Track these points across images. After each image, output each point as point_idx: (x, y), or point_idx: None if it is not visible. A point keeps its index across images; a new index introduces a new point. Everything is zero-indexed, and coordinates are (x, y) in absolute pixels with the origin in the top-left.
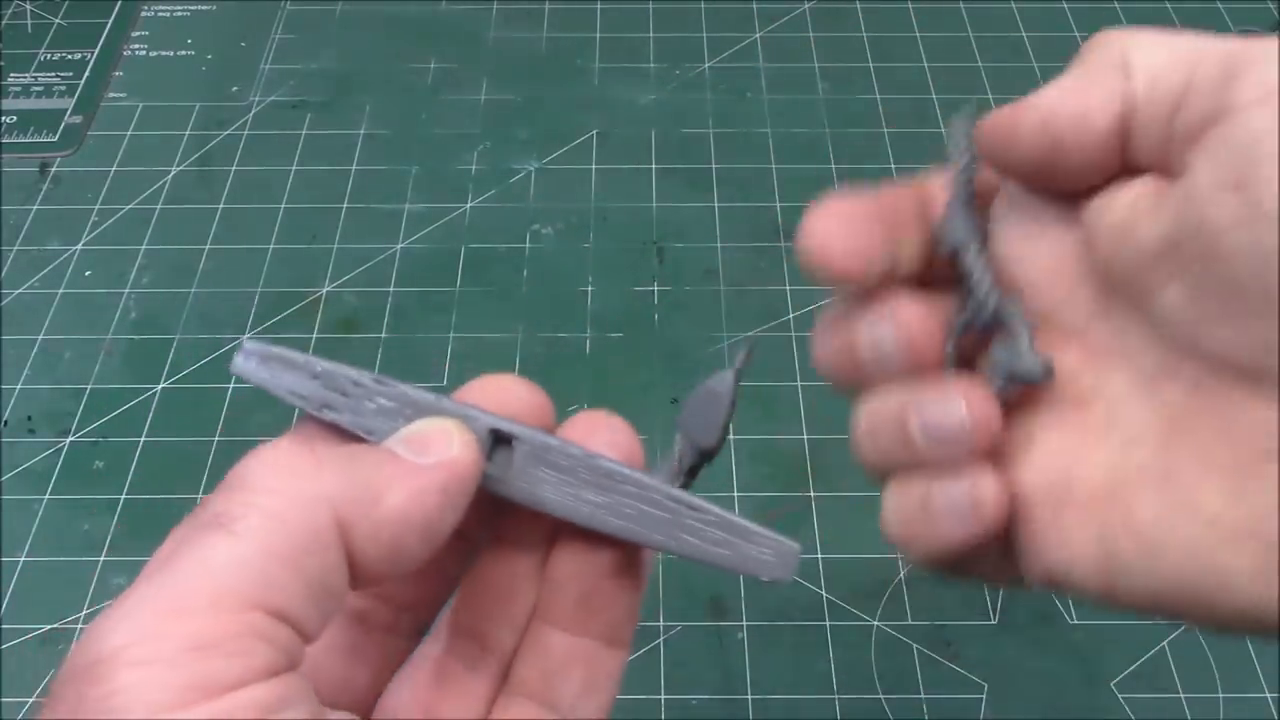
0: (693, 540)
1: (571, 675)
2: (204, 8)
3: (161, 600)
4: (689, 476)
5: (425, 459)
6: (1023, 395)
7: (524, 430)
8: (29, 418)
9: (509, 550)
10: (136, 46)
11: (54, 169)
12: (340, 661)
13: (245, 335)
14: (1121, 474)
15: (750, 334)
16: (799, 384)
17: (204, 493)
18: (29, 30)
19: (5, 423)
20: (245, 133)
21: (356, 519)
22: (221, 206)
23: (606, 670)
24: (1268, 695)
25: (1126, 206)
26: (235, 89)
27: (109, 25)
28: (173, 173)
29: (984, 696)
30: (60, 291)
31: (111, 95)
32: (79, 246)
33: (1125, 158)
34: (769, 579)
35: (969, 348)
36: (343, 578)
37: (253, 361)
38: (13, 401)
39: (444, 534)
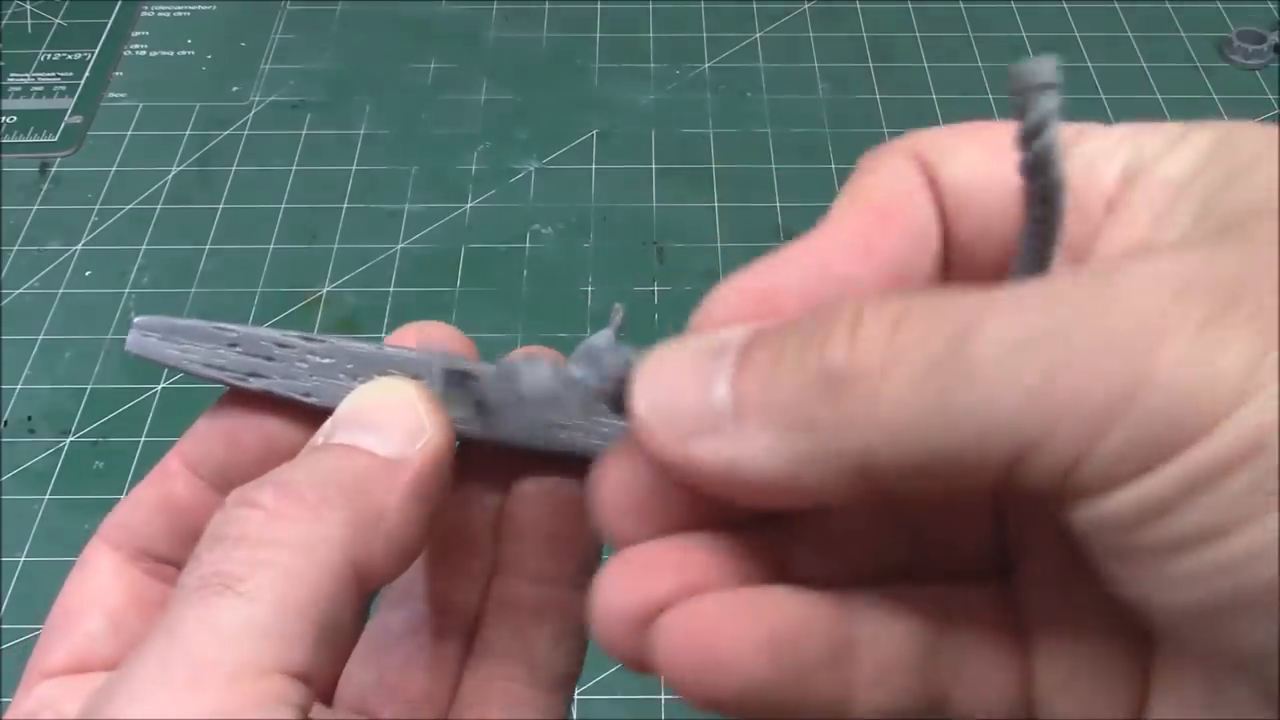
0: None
1: (543, 626)
2: (204, 8)
3: (175, 675)
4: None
5: (402, 446)
6: None
7: (475, 365)
8: (29, 418)
9: (462, 506)
10: (136, 46)
11: (54, 169)
12: (401, 673)
13: None
14: None
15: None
16: None
17: None
18: (29, 30)
19: (5, 423)
20: (245, 133)
21: (366, 547)
22: (221, 206)
23: (576, 616)
24: None
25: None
26: (235, 89)
27: (109, 25)
28: (173, 173)
29: None
30: (60, 291)
31: (111, 95)
32: (79, 246)
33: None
34: None
35: None
36: (356, 610)
37: (153, 337)
38: (13, 401)
39: (437, 516)
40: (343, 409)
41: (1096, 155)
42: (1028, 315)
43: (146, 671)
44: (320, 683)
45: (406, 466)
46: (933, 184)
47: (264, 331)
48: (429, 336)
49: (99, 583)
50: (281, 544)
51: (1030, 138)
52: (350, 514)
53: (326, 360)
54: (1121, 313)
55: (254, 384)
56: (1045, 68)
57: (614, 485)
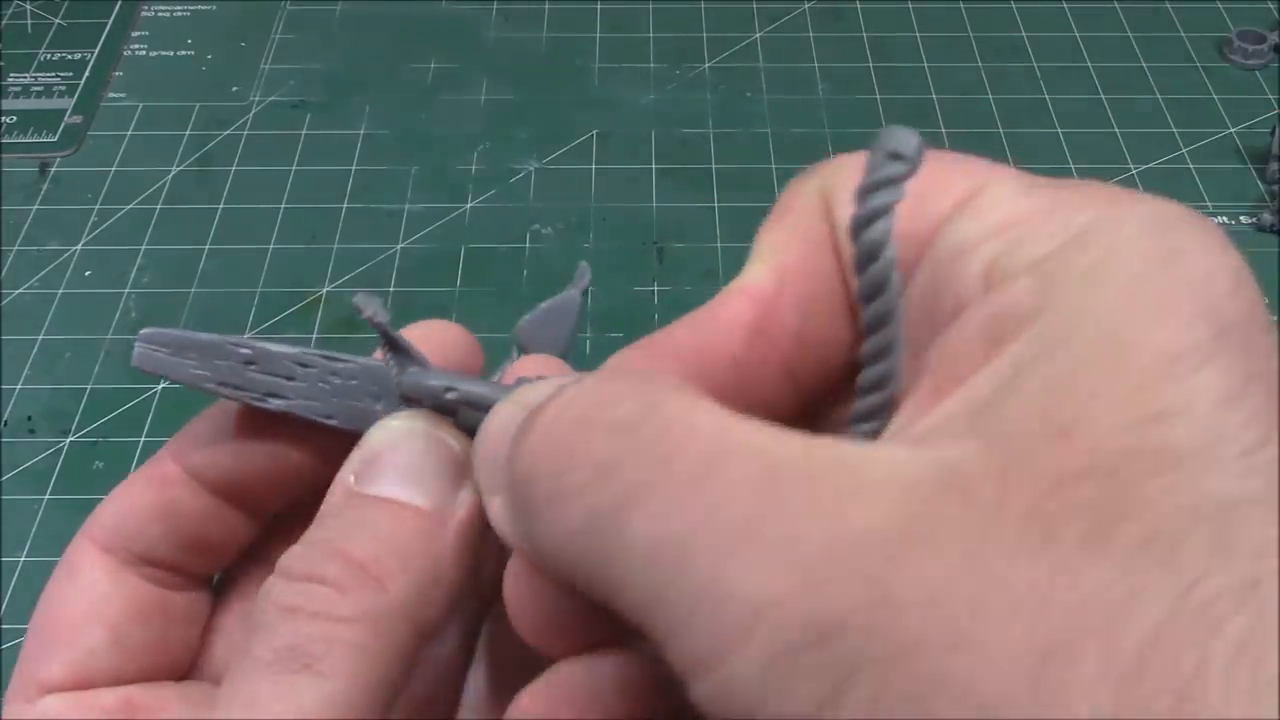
0: None
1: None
2: (204, 8)
3: None
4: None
5: (445, 497)
6: None
7: (481, 391)
8: (29, 418)
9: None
10: (136, 46)
11: (54, 169)
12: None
13: (245, 335)
14: None
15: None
16: None
17: None
18: (29, 30)
19: (5, 423)
20: (245, 133)
21: (426, 609)
22: (221, 206)
23: None
24: None
25: None
26: (235, 89)
27: (109, 25)
28: (173, 173)
29: None
30: (60, 291)
31: (111, 95)
32: (79, 246)
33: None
34: None
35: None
36: (415, 664)
37: (162, 352)
38: (13, 401)
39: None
40: (375, 449)
41: (966, 242)
42: (687, 507)
43: None
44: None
45: (453, 519)
46: (834, 235)
47: (282, 349)
48: (438, 340)
49: (96, 591)
50: (352, 621)
51: (860, 227)
52: (410, 580)
53: (351, 382)
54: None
55: (273, 404)
56: (904, 141)
57: (519, 603)
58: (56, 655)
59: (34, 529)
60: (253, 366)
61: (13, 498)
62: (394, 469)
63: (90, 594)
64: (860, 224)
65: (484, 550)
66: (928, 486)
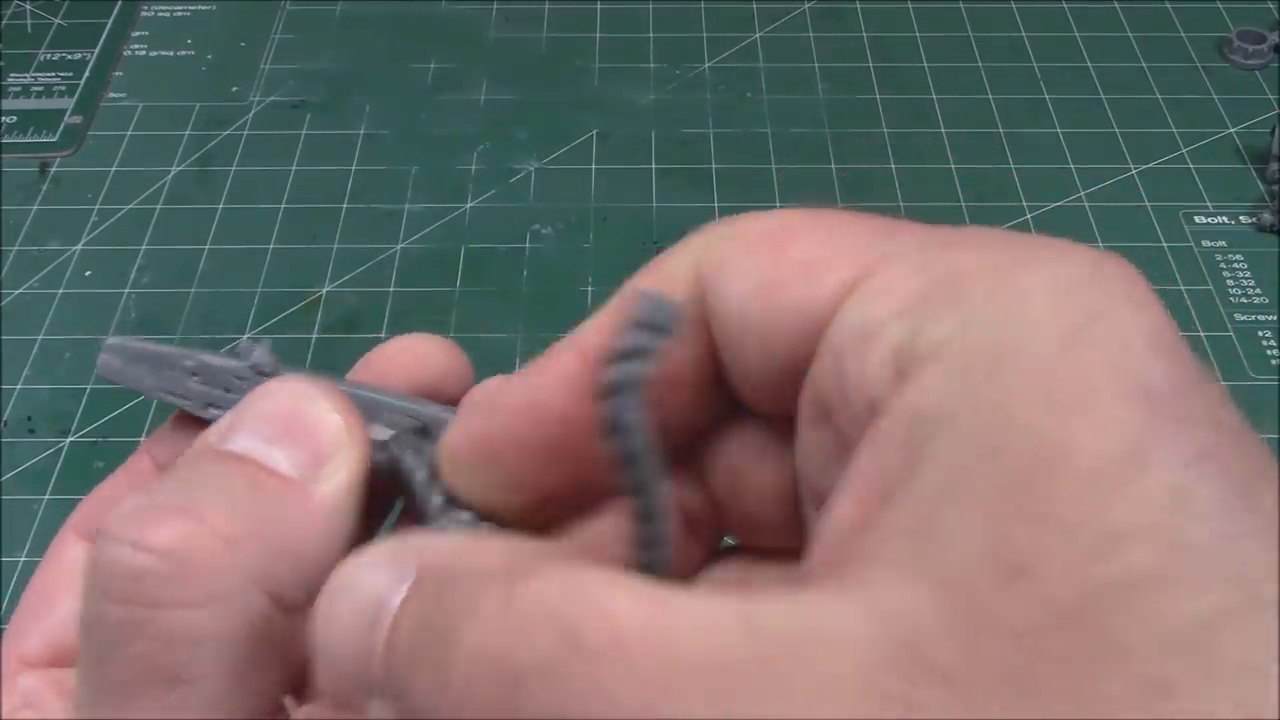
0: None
1: None
2: (204, 8)
3: None
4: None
5: (310, 466)
6: None
7: (439, 415)
8: (29, 418)
9: None
10: (136, 46)
11: (54, 169)
12: None
13: (245, 335)
14: None
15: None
16: None
17: None
18: (29, 30)
19: (5, 423)
20: (245, 133)
21: (286, 582)
22: (221, 206)
23: None
24: None
25: None
26: (235, 89)
27: (109, 25)
28: (173, 173)
29: None
30: (60, 291)
31: (111, 95)
32: (79, 246)
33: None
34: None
35: None
36: (292, 629)
37: (117, 360)
38: (13, 401)
39: (355, 540)
40: (251, 408)
41: (867, 328)
42: (665, 663)
43: None
44: (280, 694)
45: (316, 494)
46: (704, 313)
47: (226, 362)
48: (416, 355)
49: (74, 568)
50: (204, 604)
51: (607, 396)
52: (267, 551)
53: None
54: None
55: (211, 414)
56: (656, 312)
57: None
58: (32, 627)
59: (34, 529)
60: (195, 378)
61: (13, 498)
62: (260, 428)
63: (68, 571)
64: (607, 393)
65: (352, 530)
66: (886, 665)
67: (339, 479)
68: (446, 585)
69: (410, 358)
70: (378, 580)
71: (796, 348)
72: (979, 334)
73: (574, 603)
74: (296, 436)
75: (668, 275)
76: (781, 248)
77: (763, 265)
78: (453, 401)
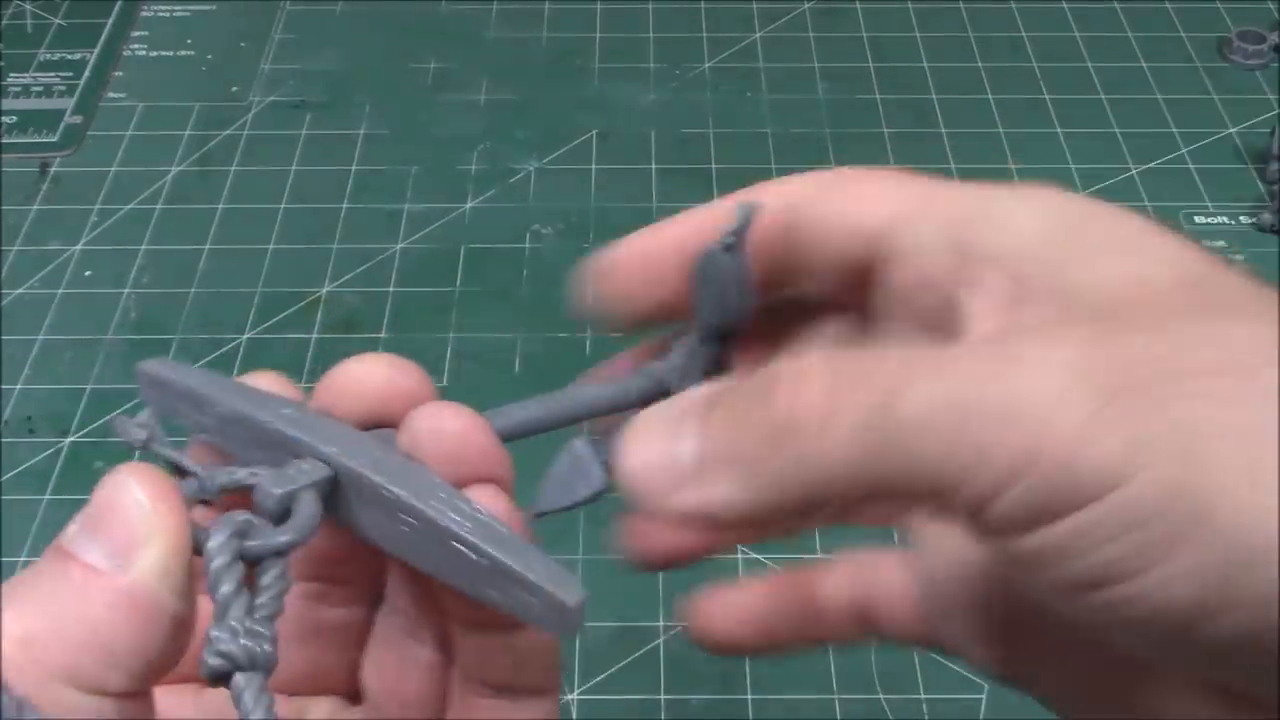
0: (476, 586)
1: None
2: (204, 8)
3: None
4: (714, 366)
5: (119, 558)
6: None
7: (350, 463)
8: (29, 418)
9: (402, 610)
10: (136, 46)
11: (54, 169)
12: (308, 645)
13: (245, 335)
14: None
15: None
16: None
17: None
18: (29, 30)
19: (5, 423)
20: (245, 133)
21: (99, 672)
22: (221, 206)
23: (539, 716)
24: None
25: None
26: (235, 89)
27: (109, 25)
28: (173, 173)
29: (984, 697)
30: (60, 291)
31: (111, 95)
32: (79, 246)
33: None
34: (548, 633)
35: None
36: (128, 715)
37: (155, 392)
38: (13, 401)
39: (191, 621)
40: (90, 500)
41: (924, 235)
42: (946, 382)
43: None
44: None
45: (122, 585)
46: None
47: (256, 416)
48: (362, 382)
49: None
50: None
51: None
52: (67, 645)
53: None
54: (1025, 389)
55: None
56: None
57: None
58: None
59: (34, 529)
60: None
61: (13, 498)
62: (86, 524)
63: None
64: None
65: (188, 609)
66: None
67: (147, 563)
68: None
69: (361, 382)
70: (667, 412)
71: (856, 253)
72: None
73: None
74: (107, 526)
75: (763, 194)
76: (845, 187)
77: (832, 197)
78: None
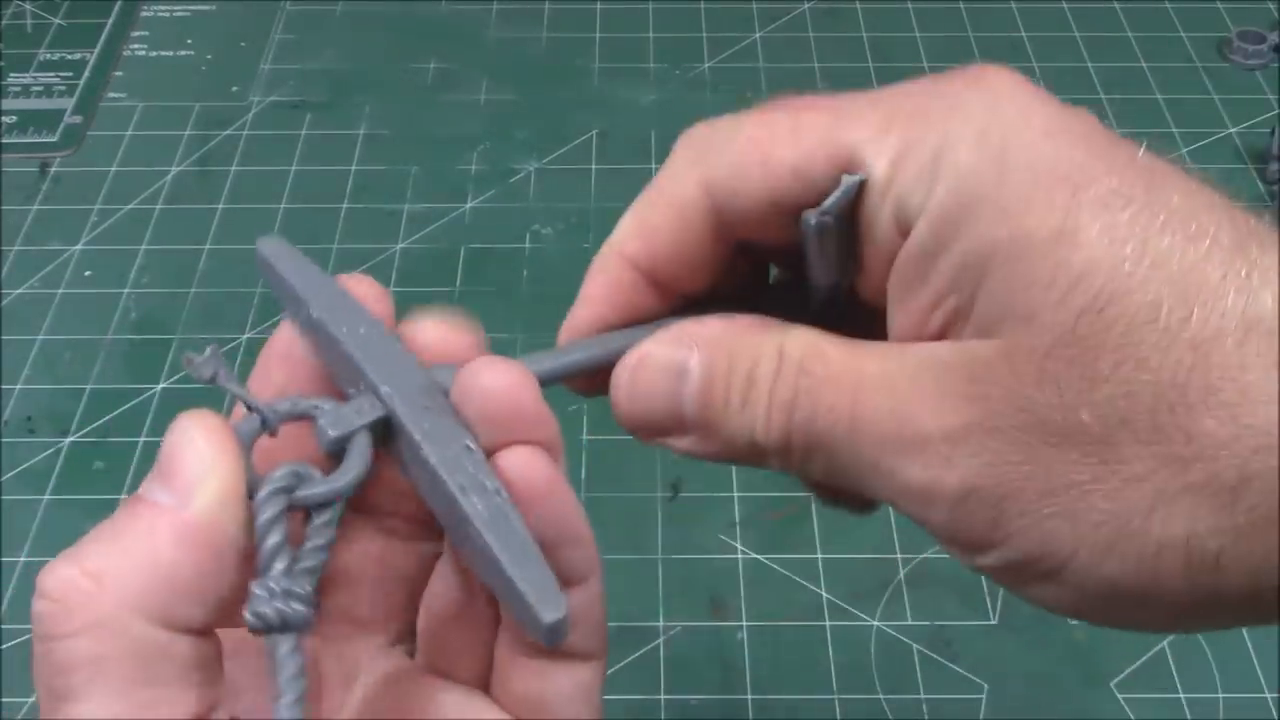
0: (478, 566)
1: (557, 685)
2: (204, 8)
3: None
4: (827, 306)
5: (179, 494)
6: None
7: (400, 410)
8: (29, 418)
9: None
10: (136, 46)
11: (54, 169)
12: (377, 575)
13: (245, 335)
14: None
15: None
16: None
17: None
18: (29, 30)
19: (5, 423)
20: (245, 133)
21: (166, 602)
22: (221, 206)
23: (583, 680)
24: (1268, 695)
25: None
26: (235, 89)
27: (109, 25)
28: (173, 173)
29: (984, 697)
30: (60, 291)
31: (111, 95)
32: (79, 246)
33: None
34: (532, 636)
35: None
36: (192, 646)
37: (267, 272)
38: (13, 401)
39: (248, 552)
40: (158, 456)
41: (903, 194)
42: (853, 385)
43: None
44: (197, 711)
45: (186, 512)
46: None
47: (329, 329)
48: (431, 335)
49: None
50: (81, 633)
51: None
52: (135, 576)
53: (343, 356)
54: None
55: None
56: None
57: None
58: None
59: (34, 529)
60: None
61: (13, 498)
62: (154, 472)
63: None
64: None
65: (230, 545)
66: (965, 371)
67: (206, 498)
68: (735, 350)
69: (415, 341)
70: (674, 352)
71: (794, 192)
72: (956, 182)
73: (809, 352)
74: (170, 468)
75: (671, 172)
76: (760, 132)
77: (756, 150)
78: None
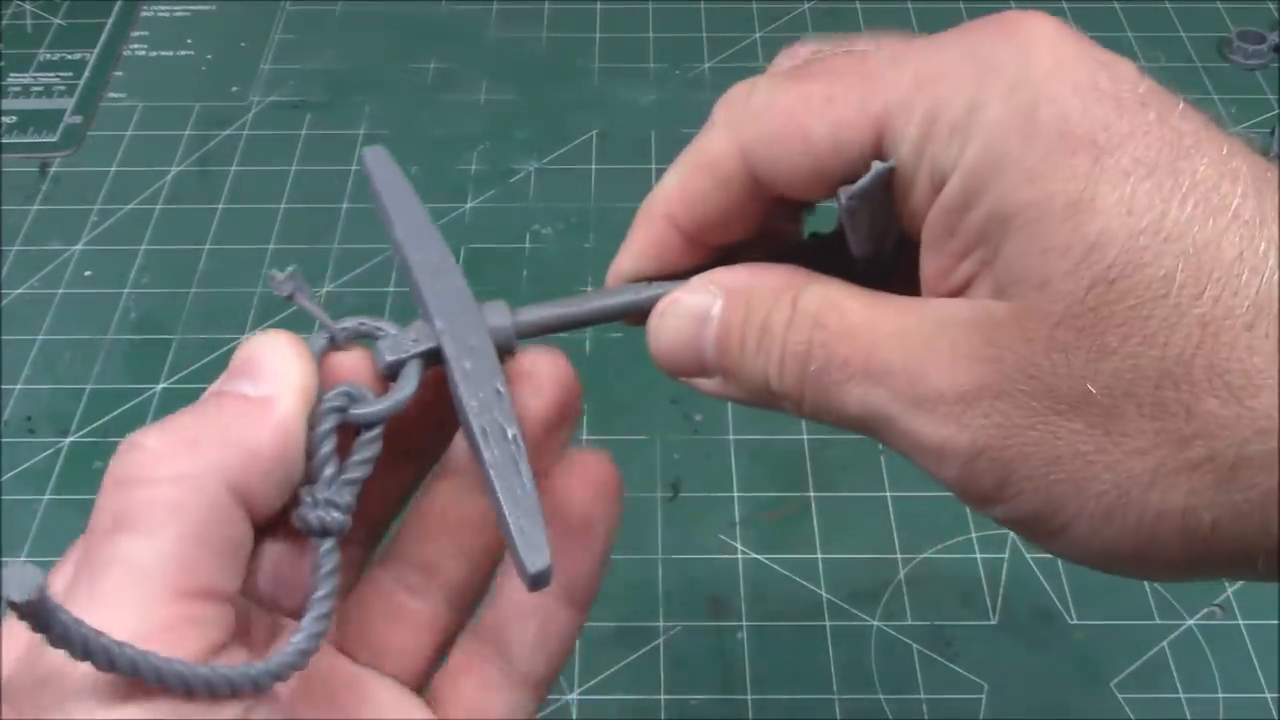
0: (492, 505)
1: (526, 625)
2: (204, 8)
3: (99, 610)
4: (871, 265)
5: (268, 388)
6: None
7: (449, 348)
8: (29, 418)
9: (463, 481)
10: (136, 46)
11: (54, 169)
12: (296, 571)
13: (244, 335)
14: None
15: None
16: None
17: None
18: (29, 30)
19: (5, 423)
20: (245, 133)
21: (245, 476)
22: (221, 206)
23: (560, 628)
24: (1268, 695)
25: None
26: (235, 89)
27: (109, 25)
28: (173, 173)
29: (984, 696)
30: (60, 291)
31: (111, 95)
32: (79, 246)
33: None
34: (520, 579)
35: None
36: (247, 528)
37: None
38: (13, 401)
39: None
40: (236, 355)
41: (936, 157)
42: (869, 340)
43: (74, 611)
44: (227, 595)
45: (271, 404)
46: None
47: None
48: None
49: None
50: (168, 480)
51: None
52: (225, 448)
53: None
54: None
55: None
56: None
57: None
58: None
59: (34, 529)
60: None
61: (13, 498)
62: (234, 372)
63: None
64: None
65: (306, 437)
66: (981, 329)
67: (291, 396)
68: (752, 299)
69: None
70: (699, 299)
71: (833, 164)
72: (981, 148)
73: (825, 305)
74: (258, 369)
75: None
76: (796, 103)
77: (793, 124)
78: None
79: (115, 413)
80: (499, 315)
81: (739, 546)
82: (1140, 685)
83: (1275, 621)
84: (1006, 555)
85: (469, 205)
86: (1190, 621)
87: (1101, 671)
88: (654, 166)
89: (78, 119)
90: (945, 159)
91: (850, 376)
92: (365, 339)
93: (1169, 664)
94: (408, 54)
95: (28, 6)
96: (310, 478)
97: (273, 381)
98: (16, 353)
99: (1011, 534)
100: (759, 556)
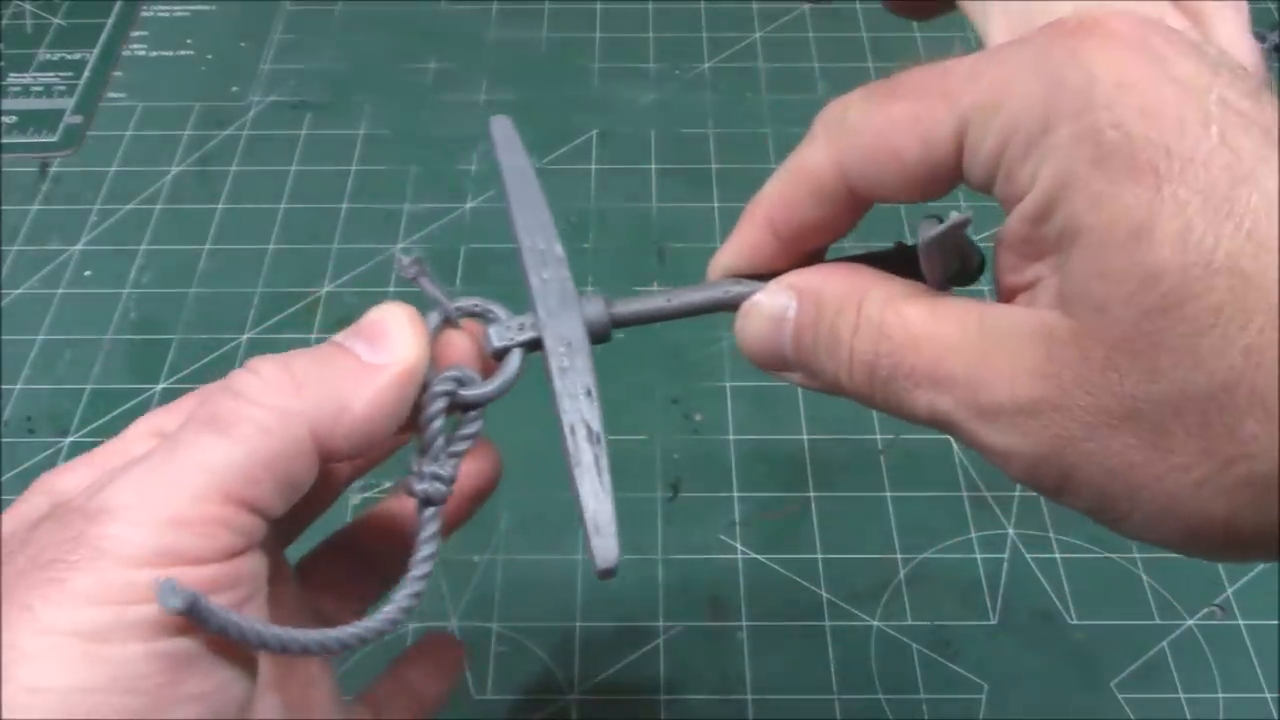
0: (578, 505)
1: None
2: (204, 8)
3: (162, 480)
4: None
5: (382, 356)
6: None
7: (549, 340)
8: (29, 418)
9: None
10: (136, 46)
11: (54, 169)
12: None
13: (245, 335)
14: None
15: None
16: None
17: None
18: (29, 30)
19: (5, 423)
20: (245, 133)
21: (331, 427)
22: (221, 206)
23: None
24: (1268, 695)
25: None
26: (235, 89)
27: (109, 25)
28: (173, 173)
29: (984, 697)
30: (60, 291)
31: (111, 95)
32: (79, 246)
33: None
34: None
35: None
36: (311, 473)
37: (510, 143)
38: (13, 401)
39: (401, 419)
40: (363, 318)
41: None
42: (933, 351)
43: (142, 472)
44: (268, 518)
45: (376, 373)
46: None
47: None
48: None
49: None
50: (266, 407)
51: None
52: (322, 398)
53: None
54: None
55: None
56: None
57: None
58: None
59: None
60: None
61: (13, 498)
62: (358, 331)
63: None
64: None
65: (401, 412)
66: (1043, 343)
67: (394, 371)
68: (821, 302)
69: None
70: (776, 301)
71: (926, 180)
72: (1056, 164)
73: (888, 313)
74: (380, 333)
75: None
76: (886, 124)
77: (886, 145)
78: None
79: (115, 413)
80: (596, 309)
81: (739, 546)
82: (1140, 685)
83: (1275, 621)
84: (1006, 555)
85: (469, 205)
86: (1190, 621)
87: (1101, 671)
88: (654, 166)
89: (78, 119)
90: (1021, 175)
91: (917, 384)
92: (478, 318)
93: (1169, 664)
94: (408, 54)
95: (28, 6)
96: (421, 450)
97: (388, 353)
98: (16, 353)
99: (1011, 534)
100: (759, 556)
